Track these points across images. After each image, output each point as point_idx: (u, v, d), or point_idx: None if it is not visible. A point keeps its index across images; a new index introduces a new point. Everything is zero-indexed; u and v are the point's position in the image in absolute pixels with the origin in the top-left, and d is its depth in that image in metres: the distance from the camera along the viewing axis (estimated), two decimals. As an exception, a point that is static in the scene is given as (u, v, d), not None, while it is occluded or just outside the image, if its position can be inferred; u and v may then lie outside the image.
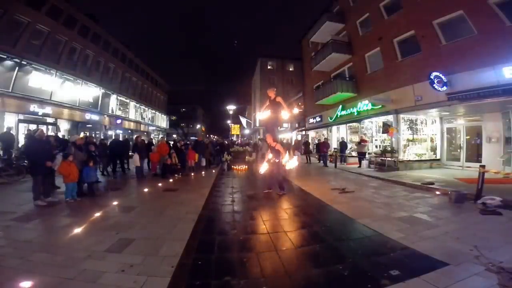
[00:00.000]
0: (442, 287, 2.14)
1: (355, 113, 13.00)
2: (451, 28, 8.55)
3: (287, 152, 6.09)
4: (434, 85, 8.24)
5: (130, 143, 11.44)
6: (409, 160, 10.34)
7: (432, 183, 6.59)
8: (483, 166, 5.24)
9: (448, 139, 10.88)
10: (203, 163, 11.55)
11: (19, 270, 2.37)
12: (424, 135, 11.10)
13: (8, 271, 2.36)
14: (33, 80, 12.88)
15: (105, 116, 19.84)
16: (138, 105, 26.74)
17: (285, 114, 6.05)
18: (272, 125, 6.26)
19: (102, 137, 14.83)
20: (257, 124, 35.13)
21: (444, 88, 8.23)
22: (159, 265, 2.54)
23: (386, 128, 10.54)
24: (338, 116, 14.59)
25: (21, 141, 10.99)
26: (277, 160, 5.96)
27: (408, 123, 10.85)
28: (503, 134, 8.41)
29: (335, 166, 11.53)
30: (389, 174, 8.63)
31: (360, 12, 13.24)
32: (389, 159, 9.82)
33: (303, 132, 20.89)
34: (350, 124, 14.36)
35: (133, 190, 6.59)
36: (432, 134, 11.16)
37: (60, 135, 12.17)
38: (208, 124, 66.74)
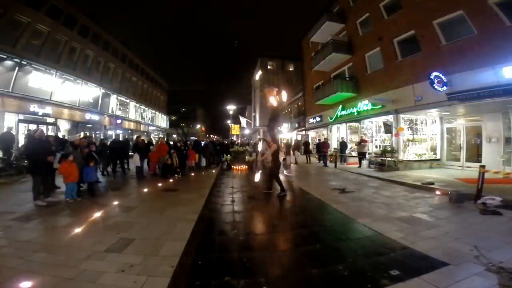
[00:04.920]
0: (442, 287, 2.14)
1: (355, 113, 12.99)
2: (451, 28, 8.55)
3: (277, 152, 6.10)
4: (434, 85, 8.24)
5: (130, 143, 11.46)
6: (409, 160, 10.33)
7: (432, 183, 6.59)
8: (483, 166, 5.24)
9: (448, 139, 10.88)
10: (203, 163, 11.55)
11: (19, 270, 2.38)
12: (424, 135, 11.10)
13: (8, 271, 2.36)
14: (33, 80, 12.88)
15: (105, 116, 19.83)
16: (138, 105, 26.74)
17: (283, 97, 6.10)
18: (272, 125, 6.30)
19: (102, 137, 14.83)
20: (257, 124, 35.17)
21: (444, 88, 8.23)
22: (159, 265, 2.54)
23: (388, 128, 10.52)
24: (338, 116, 14.59)
25: (21, 141, 10.99)
26: (275, 161, 5.98)
27: (408, 123, 10.84)
28: (503, 134, 8.41)
29: (335, 166, 11.52)
30: (389, 174, 8.63)
31: (360, 12, 13.23)
32: (389, 159, 9.82)
33: (303, 132, 20.89)
34: (350, 124, 14.36)
35: (133, 190, 6.59)
36: (432, 134, 11.16)
37: (60, 135, 12.16)
38: (208, 124, 66.77)
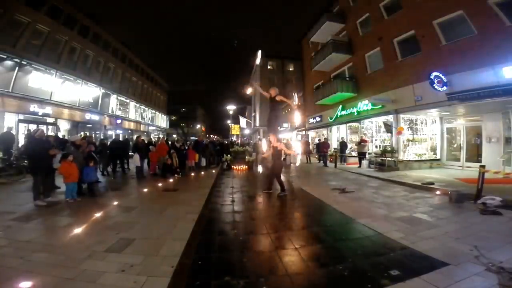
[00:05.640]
0: (442, 287, 2.14)
1: (355, 113, 13.00)
2: (451, 28, 8.55)
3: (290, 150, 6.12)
4: (434, 85, 8.24)
5: (130, 143, 11.46)
6: (409, 160, 10.34)
7: (432, 183, 6.59)
8: (483, 166, 5.25)
9: (448, 139, 10.88)
10: (203, 163, 11.55)
11: (19, 270, 2.37)
12: (424, 135, 11.10)
13: (8, 271, 2.36)
14: (33, 80, 12.88)
15: (105, 116, 19.84)
16: (138, 105, 26.75)
17: (293, 103, 6.13)
18: (273, 124, 6.28)
19: (102, 137, 14.83)
20: (257, 124, 35.18)
21: (444, 88, 8.23)
22: (159, 265, 2.54)
23: (389, 127, 10.51)
24: (338, 116, 14.59)
25: (21, 141, 10.99)
26: (277, 160, 5.98)
27: (408, 123, 10.85)
28: (503, 134, 8.41)
29: (335, 166, 11.52)
30: (389, 174, 8.63)
31: (360, 12, 13.24)
32: (389, 159, 9.81)
33: (303, 132, 20.89)
34: (350, 124, 14.36)
35: (133, 190, 6.58)
36: (432, 134, 11.16)
37: (60, 135, 12.17)
38: (208, 124, 66.80)
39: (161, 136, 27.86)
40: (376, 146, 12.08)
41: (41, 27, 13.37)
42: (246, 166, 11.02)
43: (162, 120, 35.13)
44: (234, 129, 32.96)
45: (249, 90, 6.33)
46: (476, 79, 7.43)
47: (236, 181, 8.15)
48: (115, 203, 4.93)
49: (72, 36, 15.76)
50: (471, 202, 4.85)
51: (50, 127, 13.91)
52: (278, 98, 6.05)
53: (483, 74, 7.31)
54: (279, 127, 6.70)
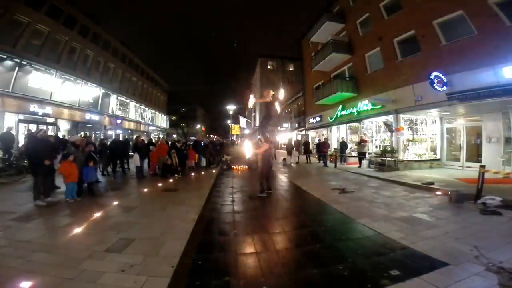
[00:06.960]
0: (442, 287, 2.14)
1: (355, 113, 12.99)
2: (451, 28, 8.55)
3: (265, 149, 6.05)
4: (434, 85, 8.24)
5: (130, 143, 11.46)
6: (409, 160, 10.33)
7: (432, 183, 6.59)
8: (483, 166, 5.24)
9: (448, 139, 10.88)
10: (203, 163, 11.55)
11: (19, 270, 2.37)
12: (424, 135, 11.10)
13: (8, 271, 2.36)
14: (33, 80, 12.88)
15: (105, 116, 19.82)
16: (138, 105, 26.73)
17: (277, 107, 6.06)
18: (264, 125, 6.27)
19: (102, 137, 14.82)
20: (257, 124, 35.19)
21: (444, 88, 8.23)
22: (159, 265, 2.54)
23: (389, 127, 10.50)
24: (338, 116, 14.59)
25: (21, 141, 10.99)
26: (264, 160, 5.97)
27: (408, 123, 10.84)
28: (503, 134, 8.41)
29: (335, 166, 11.52)
30: (389, 174, 8.62)
31: (360, 12, 13.23)
32: (389, 159, 9.81)
33: (303, 132, 20.90)
34: (350, 124, 14.35)
35: (133, 190, 6.58)
36: (432, 134, 11.15)
37: (60, 135, 12.16)
38: (208, 124, 66.82)
39: (161, 136, 27.85)
40: (376, 146, 12.07)
41: (41, 27, 13.36)
42: (246, 166, 11.02)
43: (162, 120, 35.11)
44: (234, 129, 32.98)
45: (251, 102, 6.34)
46: (476, 79, 7.42)
47: (236, 181, 8.15)
48: (115, 203, 4.93)
49: (72, 36, 15.75)
50: (471, 202, 4.85)
51: (50, 127, 13.89)
52: (265, 100, 5.96)
53: (483, 74, 7.30)
54: (269, 127, 6.59)
